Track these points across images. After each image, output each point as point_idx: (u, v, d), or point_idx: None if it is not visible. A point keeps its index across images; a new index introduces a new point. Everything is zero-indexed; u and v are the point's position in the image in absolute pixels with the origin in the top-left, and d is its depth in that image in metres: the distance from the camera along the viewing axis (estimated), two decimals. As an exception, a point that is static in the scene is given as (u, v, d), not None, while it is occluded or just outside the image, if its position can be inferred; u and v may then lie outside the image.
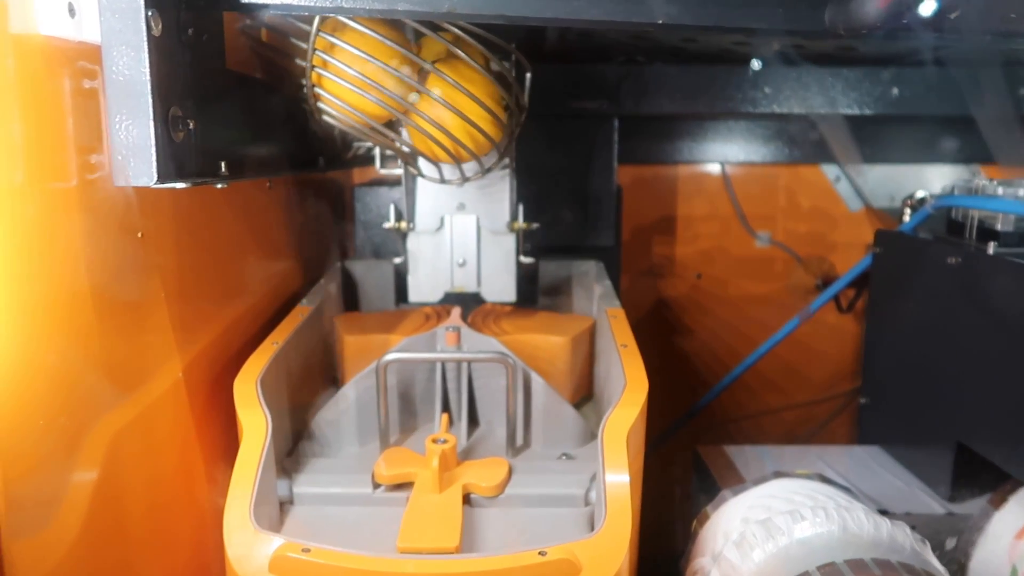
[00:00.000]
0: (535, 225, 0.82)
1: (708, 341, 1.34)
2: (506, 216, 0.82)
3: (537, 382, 0.70)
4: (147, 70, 0.44)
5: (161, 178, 0.47)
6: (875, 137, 1.25)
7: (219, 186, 0.54)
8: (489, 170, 0.73)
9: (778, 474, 0.63)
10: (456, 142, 0.64)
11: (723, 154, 1.28)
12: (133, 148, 0.45)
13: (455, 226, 0.82)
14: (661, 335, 0.76)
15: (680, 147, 1.28)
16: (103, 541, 0.52)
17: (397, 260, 0.83)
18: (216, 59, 0.58)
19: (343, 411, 0.70)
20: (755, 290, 1.34)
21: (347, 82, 0.59)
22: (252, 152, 0.63)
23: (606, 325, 0.77)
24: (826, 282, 1.30)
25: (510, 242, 0.83)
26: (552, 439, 0.71)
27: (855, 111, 0.95)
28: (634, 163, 1.02)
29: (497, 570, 0.50)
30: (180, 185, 0.49)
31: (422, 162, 0.76)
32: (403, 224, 0.82)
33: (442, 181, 0.74)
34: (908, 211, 0.96)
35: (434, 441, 0.62)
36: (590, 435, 0.72)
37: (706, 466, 0.81)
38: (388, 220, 0.82)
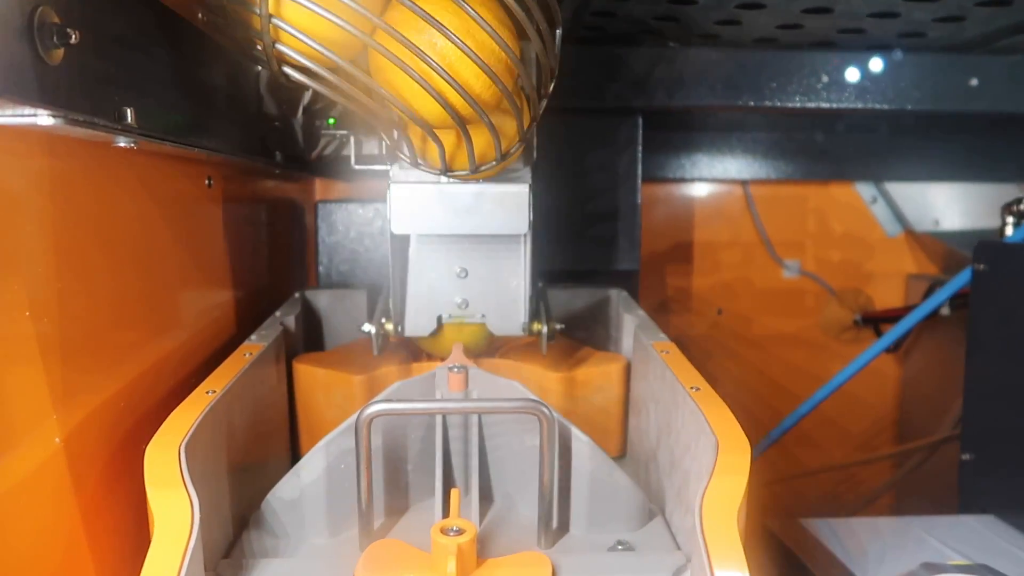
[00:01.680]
0: (559, 326, 0.64)
1: (731, 388, 1.15)
2: (520, 315, 0.63)
3: (581, 441, 0.51)
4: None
5: (9, 91, 0.27)
6: (918, 150, 1.11)
7: (122, 143, 0.35)
8: (506, 158, 0.55)
9: (931, 567, 0.45)
10: (460, 92, 0.45)
11: (745, 170, 1.12)
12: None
13: (454, 332, 0.64)
14: None
15: (696, 161, 1.12)
16: None
17: (367, 328, 0.64)
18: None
19: (307, 486, 0.50)
20: (784, 327, 1.17)
21: (316, 4, 0.41)
22: (178, 110, 0.43)
23: (657, 363, 0.59)
24: (865, 318, 1.14)
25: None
26: (599, 519, 0.51)
27: (927, 106, 0.80)
28: (645, 180, 0.86)
29: None
30: (48, 120, 0.29)
31: (418, 154, 0.57)
32: (388, 327, 0.63)
33: (444, 172, 0.55)
34: (1010, 220, 0.80)
35: (444, 531, 0.42)
36: (648, 513, 0.53)
37: (786, 547, 0.63)
38: (353, 255, 0.64)
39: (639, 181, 0.84)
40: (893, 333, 0.92)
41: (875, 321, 1.15)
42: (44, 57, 0.30)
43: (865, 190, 1.16)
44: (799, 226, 1.16)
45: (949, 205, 1.15)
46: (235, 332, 0.71)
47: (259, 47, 0.44)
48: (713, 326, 1.18)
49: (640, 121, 0.83)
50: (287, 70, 0.46)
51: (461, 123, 0.48)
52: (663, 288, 1.16)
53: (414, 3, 0.42)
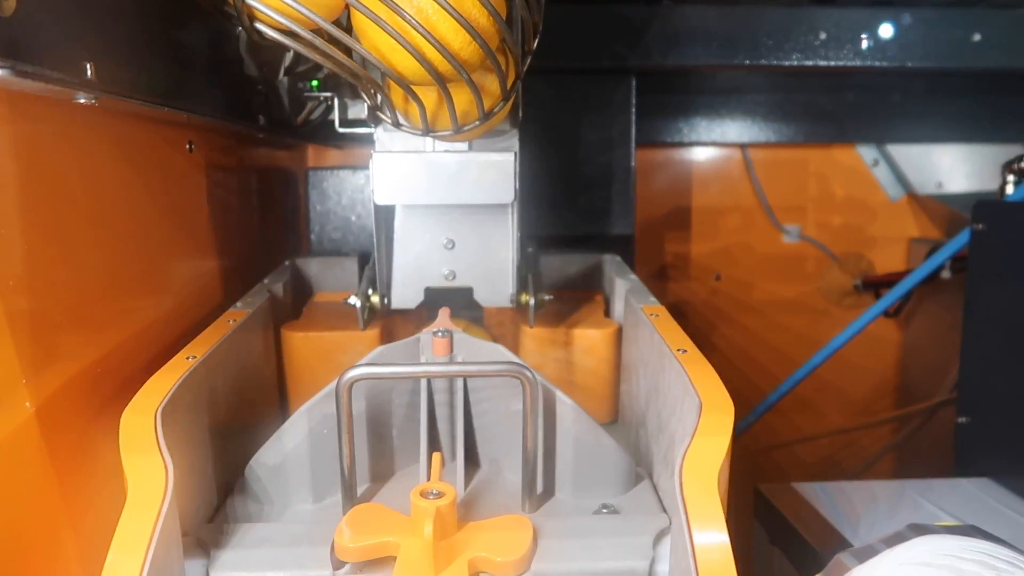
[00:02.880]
0: (547, 297, 0.63)
1: (730, 355, 1.15)
2: (508, 287, 0.62)
3: (565, 404, 0.50)
4: None
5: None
6: (921, 111, 1.09)
7: (83, 99, 0.34)
8: (490, 117, 0.54)
9: (917, 528, 0.44)
10: (438, 47, 0.43)
11: (745, 133, 1.10)
12: None
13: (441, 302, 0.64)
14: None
15: (694, 124, 1.09)
16: None
17: (352, 301, 0.63)
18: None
19: (289, 452, 0.50)
20: (783, 293, 1.16)
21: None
22: (146, 65, 0.42)
23: (646, 326, 0.58)
24: (866, 283, 1.13)
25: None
26: (585, 484, 0.51)
27: (930, 63, 0.78)
28: (642, 144, 0.84)
29: None
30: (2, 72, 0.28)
31: (400, 115, 0.56)
32: (375, 299, 0.62)
33: (426, 132, 0.54)
34: (1011, 178, 0.78)
35: (423, 494, 0.42)
36: (634, 477, 0.52)
37: (776, 509, 0.62)
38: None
39: (633, 145, 0.82)
40: (890, 297, 0.90)
41: (876, 286, 1.13)
42: (-7, 5, 0.29)
43: (867, 153, 1.14)
44: (800, 190, 1.14)
45: (953, 167, 1.12)
46: (222, 300, 0.70)
47: (231, 2, 0.43)
48: (712, 292, 1.16)
49: (634, 83, 0.81)
50: (261, 27, 0.45)
51: (441, 81, 0.47)
52: (661, 255, 1.14)
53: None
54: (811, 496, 0.63)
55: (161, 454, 0.39)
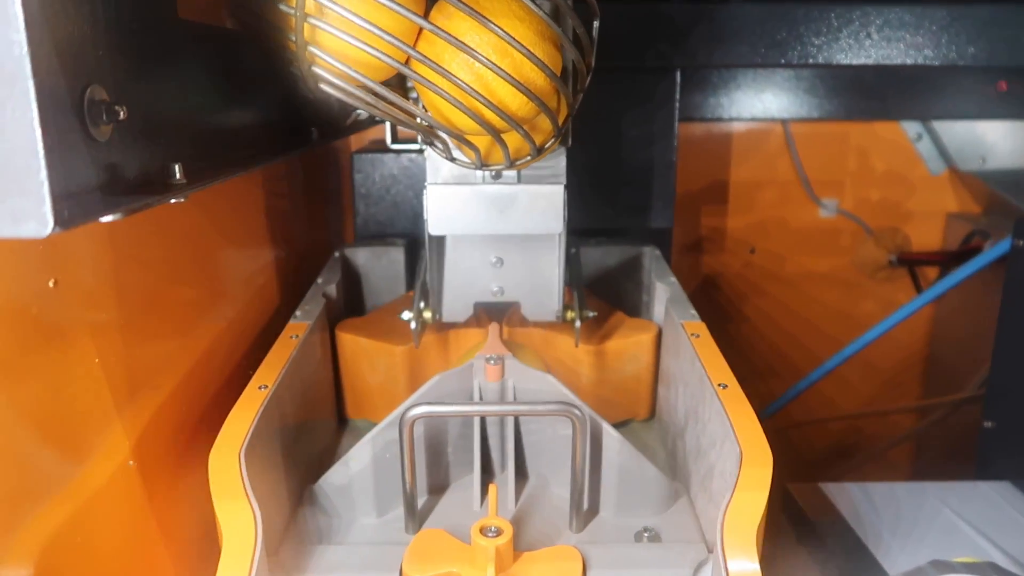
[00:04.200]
0: (591, 314, 0.65)
1: (763, 327, 1.17)
2: (555, 303, 0.64)
3: (611, 436, 0.53)
4: (21, 28, 0.26)
5: (71, 214, 0.29)
6: (967, 86, 1.06)
7: (172, 201, 0.36)
8: (542, 151, 0.55)
9: (939, 566, 0.47)
10: (496, 111, 0.45)
11: (786, 109, 1.08)
12: (7, 173, 0.26)
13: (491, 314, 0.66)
14: (708, 320, 0.60)
15: (736, 100, 1.08)
16: None
17: (406, 316, 0.65)
18: (162, 2, 0.39)
19: (355, 474, 0.54)
20: (817, 267, 1.17)
21: (350, 35, 0.41)
22: (220, 140, 0.44)
23: (687, 346, 0.60)
24: (901, 258, 1.13)
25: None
26: (627, 505, 0.55)
27: (983, 61, 0.76)
28: (680, 119, 0.84)
29: None
30: (108, 218, 0.31)
31: (451, 145, 0.57)
32: (427, 314, 0.64)
33: (479, 167, 0.55)
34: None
35: (483, 531, 0.46)
36: (674, 494, 0.56)
37: (803, 512, 0.66)
38: (390, 206, 0.64)
39: (675, 139, 0.82)
40: (922, 299, 0.91)
41: (910, 262, 1.14)
42: (92, 134, 0.31)
43: (911, 127, 1.12)
44: (839, 164, 1.13)
45: (997, 143, 1.11)
46: (279, 299, 0.73)
47: (294, 68, 0.44)
48: (746, 265, 1.18)
49: (678, 77, 0.81)
50: (323, 87, 0.46)
51: (496, 134, 0.49)
52: (696, 228, 1.15)
53: (446, 29, 0.42)
54: (837, 497, 0.67)
55: (248, 500, 0.44)
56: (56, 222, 0.26)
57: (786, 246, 1.16)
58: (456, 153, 0.56)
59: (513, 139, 0.53)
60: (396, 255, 0.84)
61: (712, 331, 0.60)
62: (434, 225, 0.59)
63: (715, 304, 1.18)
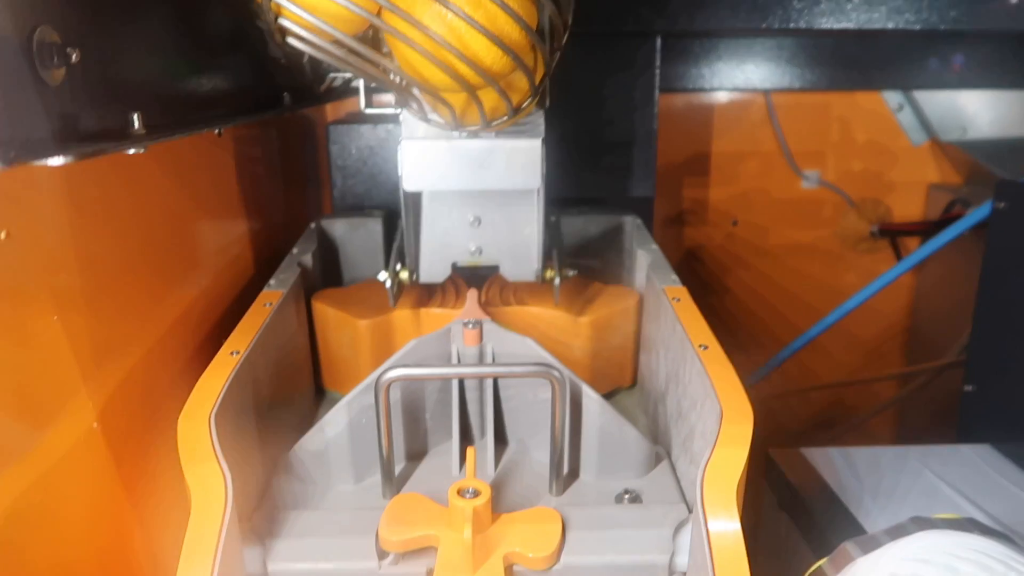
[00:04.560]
0: (572, 273, 0.64)
1: (745, 299, 1.17)
2: (534, 262, 0.63)
3: (591, 398, 0.53)
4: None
5: (18, 153, 0.27)
6: (949, 56, 1.06)
7: (131, 152, 0.35)
8: (518, 112, 0.54)
9: (919, 522, 0.47)
10: (470, 65, 0.44)
11: (768, 79, 1.08)
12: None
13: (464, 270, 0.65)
14: (690, 292, 0.59)
15: (717, 71, 1.07)
16: None
17: (382, 277, 0.64)
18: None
19: (331, 439, 0.53)
20: (799, 238, 1.16)
21: (321, -16, 0.39)
22: (184, 94, 0.43)
23: (668, 310, 0.60)
24: (882, 229, 1.13)
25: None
26: (608, 468, 0.54)
27: (965, 25, 0.75)
28: (661, 90, 0.83)
29: None
30: (59, 161, 0.29)
31: (428, 110, 0.56)
32: (403, 274, 0.63)
33: (455, 127, 0.54)
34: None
35: (460, 492, 0.45)
36: (654, 458, 0.56)
37: (785, 476, 0.66)
38: (367, 181, 0.63)
39: (656, 107, 0.81)
40: (904, 264, 0.91)
41: (892, 233, 1.14)
42: (43, 78, 0.30)
43: (892, 98, 1.12)
44: (821, 135, 1.13)
45: (979, 113, 1.11)
46: (254, 269, 0.72)
47: (261, 21, 0.43)
48: (728, 237, 1.17)
49: (659, 43, 0.80)
50: (291, 41, 0.45)
51: (471, 89, 0.47)
52: (678, 200, 1.14)
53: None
54: (818, 462, 0.67)
55: (219, 462, 0.42)
56: (7, 154, 0.24)
57: (768, 218, 1.16)
58: (431, 114, 0.55)
59: (489, 97, 0.52)
60: (374, 226, 0.82)
61: (695, 303, 0.59)
62: (408, 180, 0.57)
63: (697, 276, 1.17)
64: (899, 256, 1.13)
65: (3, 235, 0.33)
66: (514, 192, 0.62)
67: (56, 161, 0.28)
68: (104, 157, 0.43)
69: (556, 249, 0.67)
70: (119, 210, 0.48)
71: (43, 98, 0.30)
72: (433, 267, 0.64)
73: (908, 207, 1.14)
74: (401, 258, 0.64)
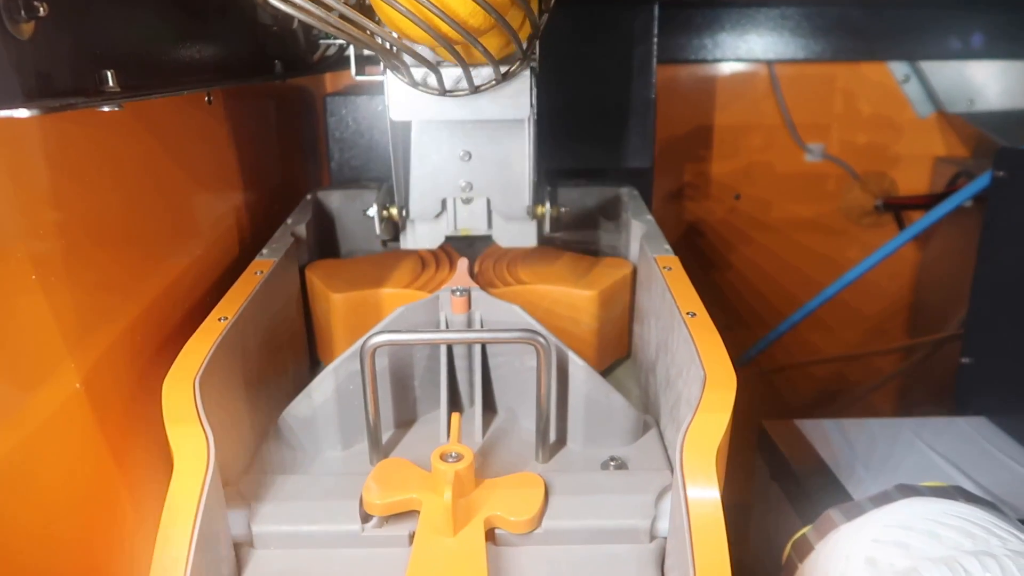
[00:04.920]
0: (563, 209, 0.63)
1: (747, 274, 1.16)
2: (525, 198, 0.62)
3: (577, 365, 0.52)
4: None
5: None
6: (956, 25, 1.04)
7: (105, 109, 0.35)
8: (507, 75, 0.53)
9: (904, 489, 0.47)
10: (452, 24, 0.43)
11: (771, 50, 1.06)
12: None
13: (460, 210, 0.63)
14: (691, 267, 0.59)
15: (720, 41, 1.06)
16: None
17: (371, 213, 0.64)
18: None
19: (319, 406, 0.53)
20: (803, 212, 1.15)
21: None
22: (164, 54, 0.43)
23: (658, 279, 0.59)
24: (887, 203, 1.12)
25: (530, 227, 0.64)
26: (595, 436, 0.54)
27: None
28: (662, 62, 0.82)
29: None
30: (25, 113, 0.29)
31: (415, 69, 0.56)
32: (392, 211, 0.62)
33: (442, 92, 0.54)
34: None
35: (443, 457, 0.45)
36: (642, 427, 0.56)
37: (776, 447, 0.66)
38: (365, 150, 0.62)
39: (654, 76, 0.80)
40: (905, 235, 0.90)
41: (896, 207, 1.12)
42: (10, 31, 0.30)
43: (898, 69, 1.10)
44: (825, 108, 1.11)
45: (986, 84, 1.08)
46: (249, 240, 0.72)
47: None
48: (730, 211, 1.16)
49: (656, 10, 0.79)
50: (273, 2, 0.44)
51: (457, 55, 0.47)
52: (679, 174, 1.13)
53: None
54: (811, 433, 0.67)
55: (202, 424, 0.43)
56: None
57: (771, 192, 1.15)
58: (420, 83, 0.55)
59: (475, 59, 0.52)
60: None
61: (696, 279, 0.59)
62: (396, 110, 0.56)
63: (699, 251, 1.17)
64: (902, 229, 1.12)
65: (-25, 192, 0.33)
66: (505, 127, 0.61)
67: (22, 113, 0.28)
68: (87, 122, 0.43)
69: (549, 188, 0.66)
70: (102, 177, 0.48)
71: (10, 51, 0.30)
72: (423, 203, 0.62)
73: (914, 181, 1.13)
74: (390, 197, 0.63)
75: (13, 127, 0.36)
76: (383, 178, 0.90)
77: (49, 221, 0.40)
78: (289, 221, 0.72)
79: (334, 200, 0.82)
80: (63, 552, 0.42)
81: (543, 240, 0.69)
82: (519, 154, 0.61)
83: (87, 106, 0.32)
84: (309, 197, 0.79)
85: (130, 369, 0.50)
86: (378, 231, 0.63)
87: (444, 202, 0.63)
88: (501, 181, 0.62)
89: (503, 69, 0.53)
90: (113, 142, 0.48)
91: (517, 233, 0.65)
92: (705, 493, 0.41)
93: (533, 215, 0.63)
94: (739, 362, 1.03)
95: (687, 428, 0.43)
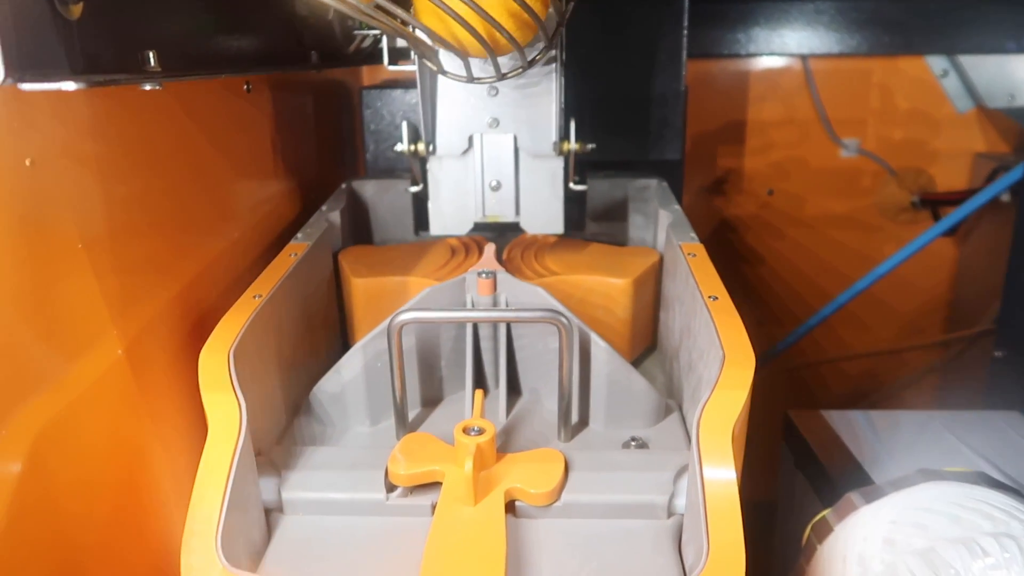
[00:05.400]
0: (590, 146, 0.63)
1: (780, 270, 1.15)
2: (551, 134, 0.62)
3: (599, 346, 0.53)
4: None
5: (32, 75, 0.29)
6: (997, 18, 1.02)
7: (147, 87, 0.37)
8: (532, 63, 0.55)
9: (926, 473, 0.47)
10: (484, 17, 0.45)
11: (806, 44, 1.05)
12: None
13: (487, 147, 0.63)
14: (724, 262, 0.59)
15: (753, 35, 1.06)
16: (21, 571, 0.38)
17: (413, 189, 0.65)
18: None
19: (347, 382, 0.55)
20: (837, 208, 1.14)
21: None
22: (204, 39, 0.45)
23: (683, 265, 0.60)
24: (924, 199, 1.10)
25: (557, 165, 0.64)
26: (616, 417, 0.55)
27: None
28: (695, 56, 0.82)
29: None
30: (71, 86, 0.31)
31: (444, 57, 0.57)
32: (420, 147, 0.62)
33: (470, 80, 0.55)
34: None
35: (466, 431, 0.47)
36: (664, 410, 0.56)
37: (802, 436, 0.66)
38: (400, 141, 0.63)
39: (683, 67, 0.81)
40: (943, 224, 0.89)
41: (934, 203, 1.11)
42: (58, 9, 0.32)
43: (936, 63, 1.09)
44: (861, 102, 1.10)
45: (1028, 79, 1.07)
46: (285, 226, 0.74)
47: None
48: (763, 207, 1.16)
49: (686, 1, 0.79)
50: (308, -10, 0.46)
51: (490, 49, 0.48)
52: (712, 169, 1.13)
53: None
54: (838, 424, 0.67)
55: (235, 393, 0.45)
56: (7, 72, 0.26)
57: (805, 187, 1.14)
58: (447, 66, 0.56)
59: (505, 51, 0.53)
60: (403, 187, 0.84)
61: (728, 274, 0.59)
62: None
63: (731, 246, 1.16)
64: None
65: (28, 162, 0.35)
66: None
67: (69, 86, 0.30)
68: (132, 103, 0.46)
69: (575, 122, 0.66)
70: (146, 157, 0.50)
71: (60, 30, 0.32)
72: (449, 138, 0.63)
73: (952, 177, 1.11)
74: (417, 135, 0.64)
75: (64, 104, 0.38)
76: (417, 181, 0.92)
77: (97, 197, 0.43)
78: (324, 208, 0.74)
79: (368, 189, 0.84)
80: (104, 509, 0.45)
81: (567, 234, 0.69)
82: (547, 90, 0.61)
83: (129, 83, 0.34)
84: (344, 186, 0.81)
85: (169, 341, 0.52)
86: (415, 181, 0.63)
87: (471, 139, 0.63)
88: (528, 116, 0.62)
89: (529, 56, 0.54)
90: (156, 125, 0.50)
91: (545, 219, 0.66)
92: (721, 468, 0.41)
93: (559, 151, 0.63)
94: (768, 355, 1.03)
95: (704, 404, 0.43)
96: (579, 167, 0.76)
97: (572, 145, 0.62)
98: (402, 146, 0.62)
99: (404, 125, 0.62)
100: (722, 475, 0.41)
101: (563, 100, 0.60)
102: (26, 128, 0.35)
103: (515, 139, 0.62)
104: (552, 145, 0.62)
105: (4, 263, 0.36)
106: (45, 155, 0.36)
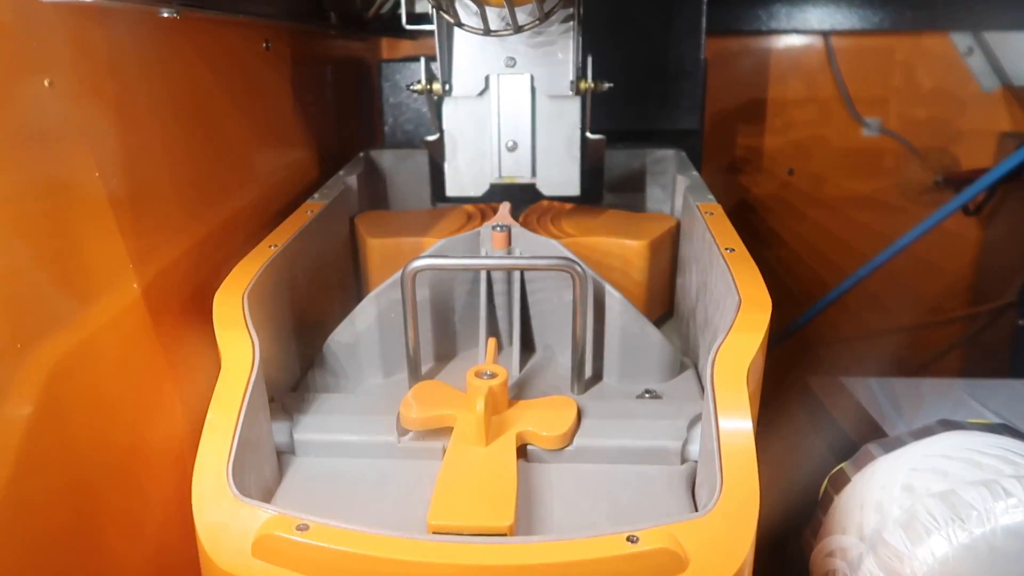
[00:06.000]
0: (607, 85, 0.62)
1: (800, 250, 1.14)
2: (568, 74, 0.61)
3: (613, 296, 0.53)
4: None
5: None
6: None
7: (166, 14, 0.37)
8: (549, 14, 0.55)
9: (946, 423, 0.46)
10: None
11: (827, 20, 1.04)
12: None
13: (503, 89, 0.62)
14: (744, 242, 0.58)
15: (774, 11, 1.05)
16: (38, 504, 0.38)
17: (430, 138, 0.65)
18: None
19: (361, 332, 0.55)
20: (858, 188, 1.13)
21: None
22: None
23: (700, 223, 0.59)
24: (947, 179, 1.09)
25: (574, 112, 0.63)
26: (630, 371, 0.54)
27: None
28: (715, 33, 0.82)
29: (567, 563, 0.35)
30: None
31: (461, 10, 0.57)
32: (436, 86, 0.62)
33: (487, 32, 0.55)
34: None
35: (478, 375, 0.46)
36: (679, 365, 0.56)
37: (820, 400, 0.65)
38: (417, 80, 0.62)
39: (703, 36, 0.80)
40: (963, 196, 0.87)
41: (957, 183, 1.09)
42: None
43: (961, 40, 1.07)
44: (883, 81, 1.09)
45: (1055, 56, 1.05)
46: (302, 190, 0.75)
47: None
48: (783, 186, 1.14)
49: (706, -32, 0.79)
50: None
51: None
52: (731, 148, 1.12)
53: None
54: (857, 390, 0.66)
55: (249, 331, 0.45)
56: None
57: (826, 167, 1.12)
58: (465, 19, 0.56)
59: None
60: (421, 158, 0.84)
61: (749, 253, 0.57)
62: None
63: (751, 227, 1.15)
64: (965, 207, 1.08)
65: (47, 82, 0.35)
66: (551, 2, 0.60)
67: (86, -3, 0.31)
68: (150, 44, 0.46)
69: (591, 60, 0.65)
70: (163, 100, 0.50)
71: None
72: (465, 77, 0.62)
73: (977, 156, 1.09)
74: (434, 76, 0.63)
75: (83, 31, 0.38)
76: (432, 129, 0.92)
77: (115, 134, 0.43)
78: (341, 173, 0.74)
79: (386, 159, 0.84)
80: (117, 443, 0.45)
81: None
82: (564, 29, 0.60)
83: (146, 3, 0.34)
84: (362, 155, 0.81)
85: (185, 284, 0.52)
86: (434, 125, 0.63)
87: (487, 80, 0.62)
88: (546, 57, 0.61)
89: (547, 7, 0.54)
90: (175, 71, 0.51)
91: (561, 182, 0.66)
92: (735, 409, 0.41)
93: (577, 90, 0.62)
94: (787, 331, 1.01)
95: (720, 344, 0.43)
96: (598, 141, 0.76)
97: (588, 83, 0.61)
98: (419, 84, 0.61)
99: (423, 60, 0.62)
100: (737, 415, 0.41)
101: (580, 39, 0.59)
102: (46, 48, 0.35)
103: (531, 80, 0.62)
104: (569, 84, 0.61)
105: (21, 192, 0.36)
106: (64, 79, 0.37)
